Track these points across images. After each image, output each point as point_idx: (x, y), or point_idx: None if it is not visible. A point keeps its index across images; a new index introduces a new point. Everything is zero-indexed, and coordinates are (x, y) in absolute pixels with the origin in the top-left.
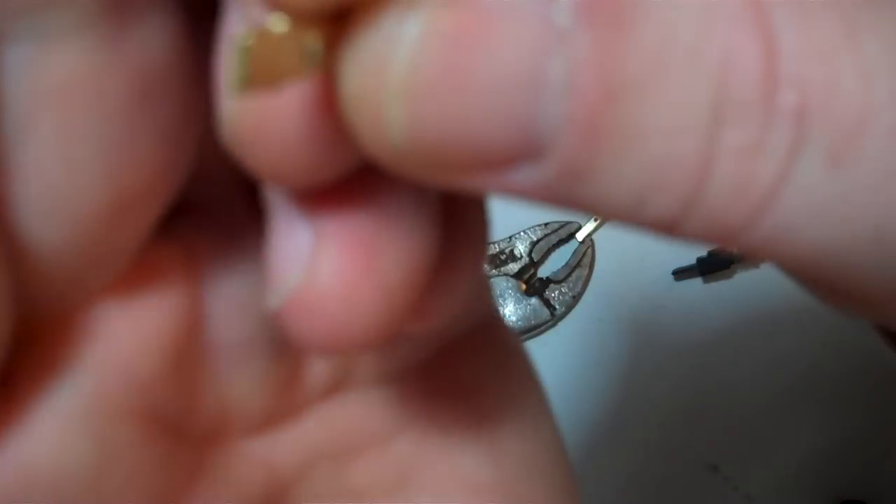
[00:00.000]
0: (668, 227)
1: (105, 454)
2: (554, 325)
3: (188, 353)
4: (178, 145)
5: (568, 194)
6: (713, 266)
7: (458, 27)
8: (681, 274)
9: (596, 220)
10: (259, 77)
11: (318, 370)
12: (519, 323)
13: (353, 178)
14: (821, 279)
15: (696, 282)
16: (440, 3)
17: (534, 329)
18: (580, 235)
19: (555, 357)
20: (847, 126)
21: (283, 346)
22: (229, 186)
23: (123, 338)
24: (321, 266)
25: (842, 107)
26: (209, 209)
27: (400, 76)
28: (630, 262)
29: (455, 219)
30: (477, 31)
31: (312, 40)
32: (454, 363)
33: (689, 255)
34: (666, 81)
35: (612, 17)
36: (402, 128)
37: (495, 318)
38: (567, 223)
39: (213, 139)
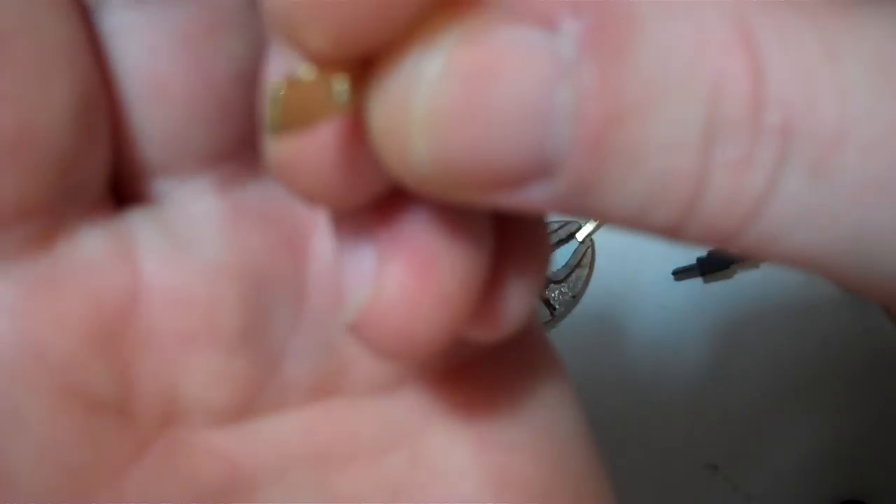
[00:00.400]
0: (669, 233)
1: (4, 419)
2: (554, 325)
3: (117, 337)
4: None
5: (577, 206)
6: (713, 266)
7: (472, 64)
8: (681, 274)
9: (596, 220)
10: (292, 121)
11: (297, 372)
12: None
13: (405, 198)
14: (815, 274)
15: (696, 282)
16: (456, 42)
17: None
18: (580, 235)
19: None
20: (826, 141)
21: (247, 345)
22: (186, 182)
23: (36, 313)
24: (385, 283)
25: (821, 123)
26: (162, 203)
27: (422, 111)
28: (630, 262)
29: (515, 228)
30: (490, 68)
31: (340, 84)
32: (465, 376)
33: (689, 255)
34: (663, 104)
35: (612, 48)
36: (425, 157)
37: (528, 332)
38: (567, 223)
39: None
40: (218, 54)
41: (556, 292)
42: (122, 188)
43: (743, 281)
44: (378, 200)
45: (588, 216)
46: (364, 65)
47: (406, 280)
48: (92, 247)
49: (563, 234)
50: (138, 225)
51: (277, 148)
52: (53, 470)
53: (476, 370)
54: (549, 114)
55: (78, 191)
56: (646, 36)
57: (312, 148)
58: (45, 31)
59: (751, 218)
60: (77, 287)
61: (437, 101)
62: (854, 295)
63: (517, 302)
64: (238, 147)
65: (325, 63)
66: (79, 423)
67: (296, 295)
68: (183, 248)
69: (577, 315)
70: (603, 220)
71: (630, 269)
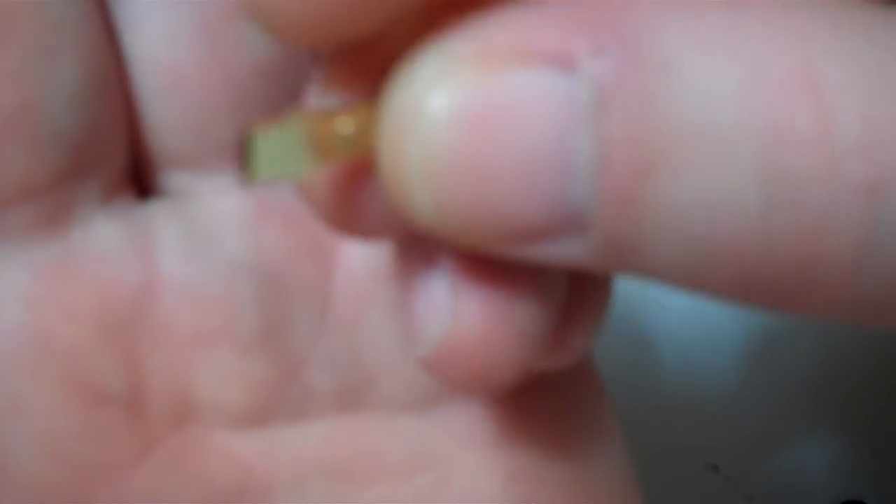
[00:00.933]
0: (739, 302)
1: (5, 406)
2: None
3: (128, 330)
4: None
5: (619, 265)
6: None
7: (478, 109)
8: None
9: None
10: (269, 168)
11: (319, 381)
12: None
13: None
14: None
15: None
16: (459, 82)
17: None
18: None
19: None
20: None
21: (265, 347)
22: (209, 178)
23: (44, 300)
24: (462, 319)
25: None
26: (184, 198)
27: (420, 158)
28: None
29: None
30: (498, 114)
31: (345, 127)
32: (503, 403)
33: None
34: (703, 156)
35: (640, 92)
36: (428, 207)
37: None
38: None
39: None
40: (237, 44)
41: None
42: (145, 182)
43: None
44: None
45: (643, 277)
46: (374, 102)
47: (484, 317)
48: (107, 236)
49: None
50: (158, 218)
51: (315, 185)
52: (53, 462)
53: (516, 397)
54: (568, 165)
55: (89, 174)
56: (680, 76)
57: (349, 185)
58: (51, 10)
59: (839, 291)
60: (89, 276)
61: (437, 148)
62: None
63: (584, 333)
64: None
65: (327, 89)
66: (83, 416)
67: (320, 302)
68: (202, 244)
69: None
70: (662, 282)
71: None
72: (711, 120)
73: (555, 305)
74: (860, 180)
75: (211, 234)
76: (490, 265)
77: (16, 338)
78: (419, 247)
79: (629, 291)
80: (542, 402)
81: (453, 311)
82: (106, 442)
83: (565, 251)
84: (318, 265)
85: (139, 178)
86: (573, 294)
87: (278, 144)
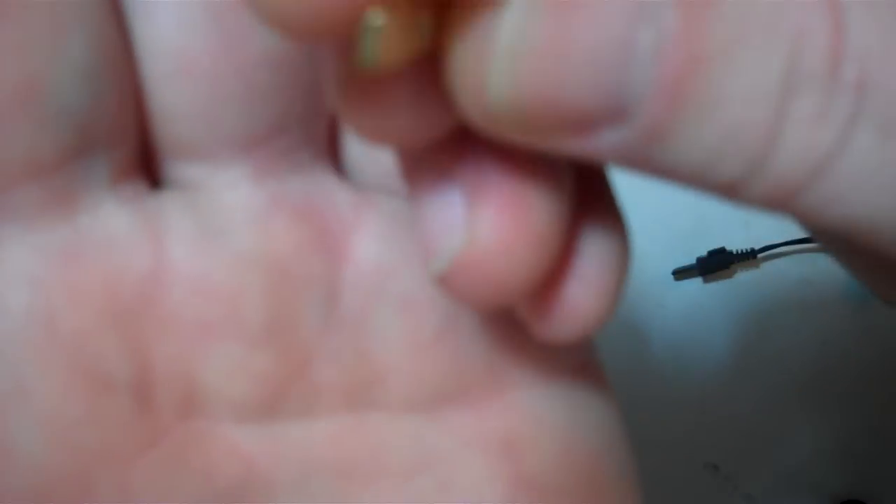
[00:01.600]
0: (732, 190)
1: (9, 390)
2: None
3: (135, 317)
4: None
5: (645, 156)
6: (713, 266)
7: (553, 2)
8: (681, 274)
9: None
10: (386, 54)
11: (327, 376)
12: None
13: (483, 143)
14: (868, 247)
15: (696, 282)
16: None
17: None
18: None
19: None
20: None
21: (272, 339)
22: (222, 170)
23: (51, 284)
24: (479, 228)
25: (894, 80)
26: (196, 189)
27: (505, 45)
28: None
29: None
30: (575, 5)
31: (426, 20)
32: (511, 406)
33: (690, 255)
34: (744, 53)
35: None
36: (503, 91)
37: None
38: None
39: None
40: (247, 32)
41: None
42: (157, 172)
43: (743, 281)
44: (455, 146)
45: (652, 171)
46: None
47: (501, 223)
48: (117, 222)
49: None
50: (169, 207)
51: (352, 84)
52: (57, 448)
53: (524, 401)
54: (630, 55)
55: (97, 154)
56: None
57: (387, 85)
58: None
59: (817, 176)
60: (97, 261)
61: (521, 34)
62: (886, 299)
63: (602, 273)
64: (272, 133)
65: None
66: (88, 403)
67: (328, 295)
68: (212, 235)
69: None
70: (666, 174)
71: (630, 269)
72: (753, 21)
73: (567, 208)
74: (853, 79)
75: (221, 226)
76: (502, 172)
77: (22, 321)
78: (432, 162)
79: (629, 292)
80: (549, 407)
81: (470, 223)
82: (110, 430)
83: (604, 142)
84: (327, 259)
85: (150, 169)
86: (582, 219)
87: (396, 26)
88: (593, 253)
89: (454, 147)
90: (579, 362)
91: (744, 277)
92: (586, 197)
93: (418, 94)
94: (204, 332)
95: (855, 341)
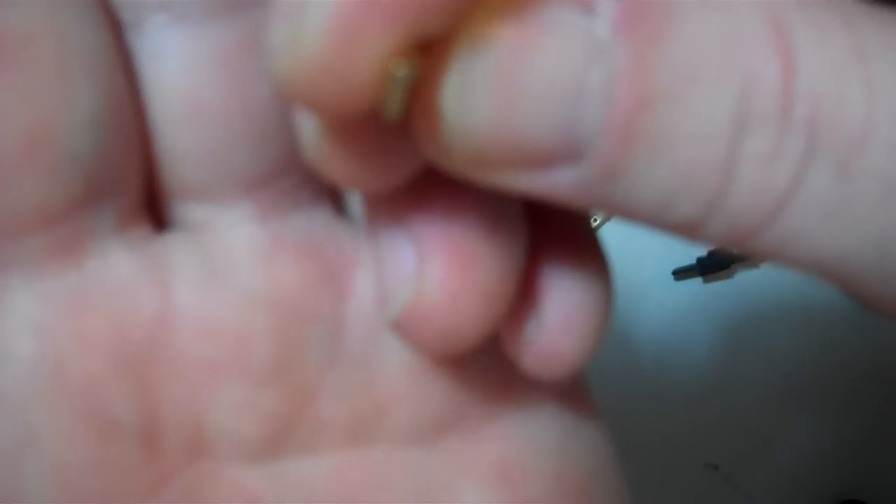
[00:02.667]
0: (690, 230)
1: (18, 437)
2: None
3: (142, 361)
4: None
5: (602, 196)
6: (713, 266)
7: (510, 39)
8: (681, 274)
9: (596, 219)
10: (407, 103)
11: (332, 411)
12: None
13: (439, 193)
14: (832, 281)
15: (696, 282)
16: (499, 21)
17: None
18: None
19: None
20: (852, 139)
21: (279, 378)
22: (225, 209)
23: (59, 331)
24: (426, 282)
25: (848, 121)
26: (201, 229)
27: (459, 77)
28: (630, 261)
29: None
30: (527, 44)
31: (403, 69)
32: (507, 434)
33: (689, 254)
34: (694, 93)
35: (648, 32)
36: (455, 124)
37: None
38: None
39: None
40: (256, 75)
41: None
42: (161, 213)
43: (743, 281)
44: (412, 193)
45: (609, 209)
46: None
47: (447, 278)
48: (123, 267)
49: None
50: (174, 249)
51: (325, 135)
52: (66, 494)
53: (516, 426)
54: (581, 94)
55: (106, 203)
56: (681, 23)
57: (358, 132)
58: (70, 36)
59: (774, 215)
60: (104, 307)
61: (474, 68)
62: (863, 306)
63: (576, 328)
64: (276, 173)
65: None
66: (96, 448)
67: (332, 331)
68: (218, 275)
69: None
70: (624, 213)
71: (630, 269)
72: (703, 61)
73: (516, 263)
74: (804, 118)
75: (226, 265)
76: (453, 225)
77: (30, 368)
78: (391, 213)
79: (629, 291)
80: (541, 431)
81: (419, 275)
82: (119, 475)
83: (560, 180)
84: (331, 294)
85: (155, 210)
86: (553, 270)
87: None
88: (567, 296)
89: (410, 197)
90: (567, 387)
91: (744, 277)
92: (562, 239)
93: (385, 138)
94: (211, 374)
95: (855, 342)
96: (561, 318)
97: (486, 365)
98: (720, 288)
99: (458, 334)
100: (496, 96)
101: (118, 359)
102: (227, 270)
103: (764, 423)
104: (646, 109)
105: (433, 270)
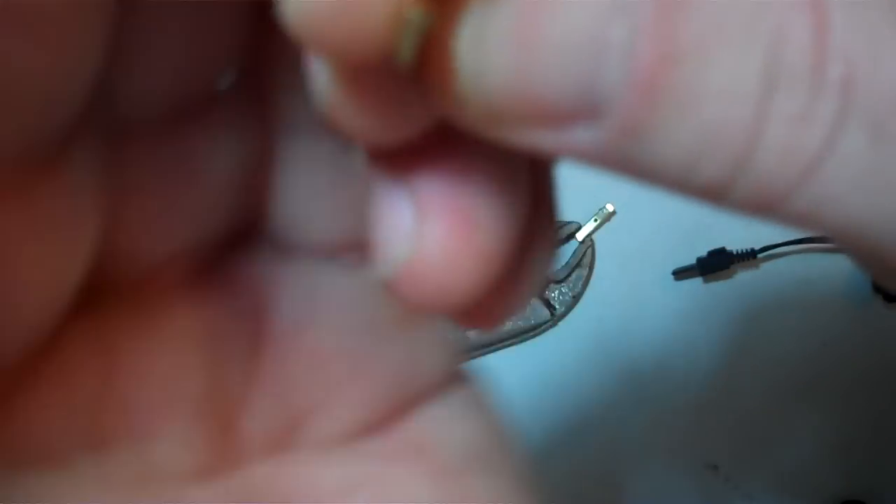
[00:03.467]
0: (716, 193)
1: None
2: (554, 325)
3: (94, 415)
4: None
5: (623, 155)
6: (713, 266)
7: None
8: (681, 274)
9: (596, 219)
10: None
11: (254, 429)
12: (518, 323)
13: (445, 154)
14: (861, 249)
15: (696, 282)
16: None
17: (533, 329)
18: (580, 235)
19: (555, 357)
20: (890, 101)
21: (209, 407)
22: (147, 270)
23: (19, 412)
24: (425, 239)
25: (885, 82)
26: (126, 289)
27: (476, 30)
28: (630, 262)
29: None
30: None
31: (416, 15)
32: (411, 424)
33: (689, 255)
34: (722, 49)
35: None
36: (470, 77)
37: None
38: (567, 223)
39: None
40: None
41: (556, 292)
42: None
43: (743, 281)
44: (417, 152)
45: (631, 171)
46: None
47: (448, 239)
48: (72, 352)
49: (563, 233)
50: (116, 318)
51: (341, 86)
52: None
53: (423, 414)
54: (602, 50)
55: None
56: None
57: (374, 82)
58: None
59: (805, 178)
60: (61, 373)
61: (491, 21)
62: (886, 283)
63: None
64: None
65: None
66: (73, 487)
67: (251, 351)
68: (155, 324)
69: (577, 315)
70: (648, 176)
71: (630, 269)
72: (731, 16)
73: (516, 226)
74: (838, 78)
75: (163, 312)
76: (456, 186)
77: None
78: (392, 171)
79: (629, 292)
80: (442, 413)
81: (418, 234)
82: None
83: (578, 139)
84: (253, 320)
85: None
86: (532, 222)
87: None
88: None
89: (416, 156)
90: (453, 376)
91: (744, 277)
92: (482, 157)
93: (399, 91)
94: (153, 413)
95: (855, 341)
96: (440, 234)
97: (394, 370)
98: (720, 288)
99: (451, 295)
100: (513, 48)
101: (72, 421)
102: (163, 315)
103: (764, 423)
104: (669, 66)
105: (434, 230)
